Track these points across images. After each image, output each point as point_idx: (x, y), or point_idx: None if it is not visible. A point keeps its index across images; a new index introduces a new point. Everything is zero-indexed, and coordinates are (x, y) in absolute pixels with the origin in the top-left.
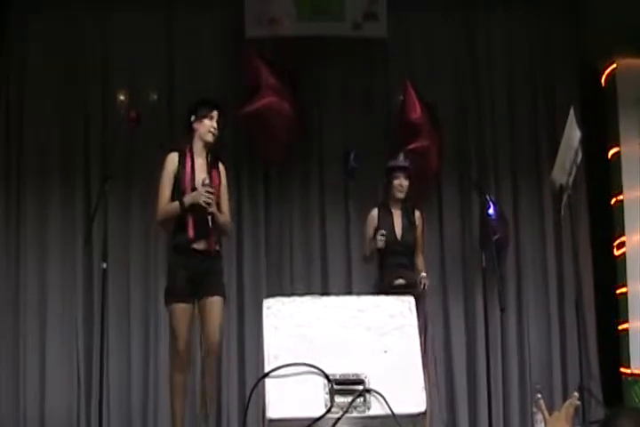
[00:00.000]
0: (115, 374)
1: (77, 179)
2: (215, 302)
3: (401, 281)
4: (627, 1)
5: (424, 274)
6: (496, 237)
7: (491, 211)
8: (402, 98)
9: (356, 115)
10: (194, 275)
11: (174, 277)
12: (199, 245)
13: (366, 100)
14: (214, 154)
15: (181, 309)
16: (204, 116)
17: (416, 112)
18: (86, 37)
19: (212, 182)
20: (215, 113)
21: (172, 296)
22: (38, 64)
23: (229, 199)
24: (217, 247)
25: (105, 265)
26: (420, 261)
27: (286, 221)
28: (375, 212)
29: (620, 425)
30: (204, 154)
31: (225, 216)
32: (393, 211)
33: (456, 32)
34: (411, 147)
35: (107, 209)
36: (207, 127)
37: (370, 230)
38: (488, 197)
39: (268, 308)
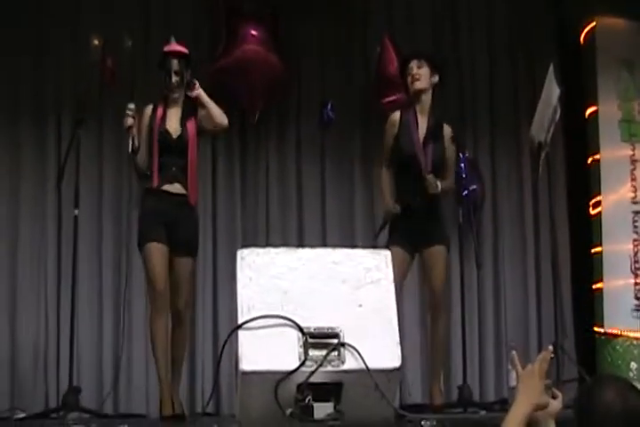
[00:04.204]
0: (85, 320)
1: (49, 124)
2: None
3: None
4: None
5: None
6: (465, 192)
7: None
8: (379, 50)
9: (334, 67)
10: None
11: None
12: None
13: (345, 53)
14: (189, 104)
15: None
16: (165, 73)
17: (393, 67)
18: None
19: (188, 132)
20: (174, 63)
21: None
22: (7, 7)
23: None
24: None
25: (76, 212)
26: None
27: (262, 172)
28: (397, 115)
29: (604, 395)
30: (179, 105)
31: None
32: (419, 117)
33: None
34: (386, 100)
35: (78, 154)
36: (167, 84)
37: (389, 139)
38: (460, 153)
39: (242, 258)
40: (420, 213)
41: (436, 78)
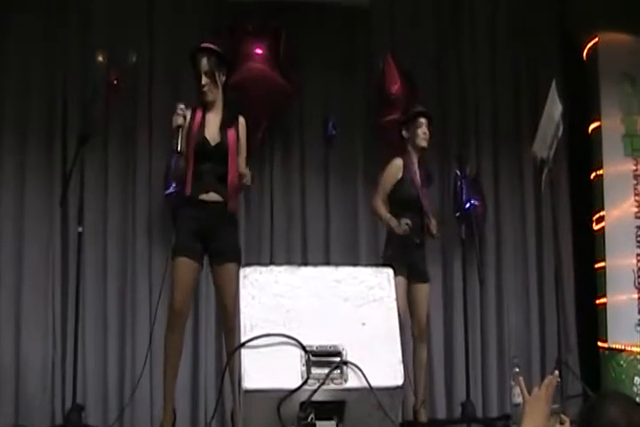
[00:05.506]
0: (91, 337)
1: (55, 140)
2: None
3: (407, 228)
4: None
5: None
6: (466, 206)
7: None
8: (381, 68)
9: (337, 83)
10: None
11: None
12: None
13: (348, 69)
14: (230, 109)
15: None
16: (195, 74)
17: (395, 86)
18: None
19: (228, 140)
20: (203, 63)
21: None
22: (17, 23)
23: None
24: None
25: (80, 229)
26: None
27: (266, 190)
28: (400, 162)
29: (608, 412)
30: (218, 110)
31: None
32: (414, 161)
33: (439, 1)
34: (386, 119)
35: (83, 171)
36: (199, 84)
37: (390, 180)
38: (457, 169)
39: (245, 277)
40: (415, 249)
41: None
